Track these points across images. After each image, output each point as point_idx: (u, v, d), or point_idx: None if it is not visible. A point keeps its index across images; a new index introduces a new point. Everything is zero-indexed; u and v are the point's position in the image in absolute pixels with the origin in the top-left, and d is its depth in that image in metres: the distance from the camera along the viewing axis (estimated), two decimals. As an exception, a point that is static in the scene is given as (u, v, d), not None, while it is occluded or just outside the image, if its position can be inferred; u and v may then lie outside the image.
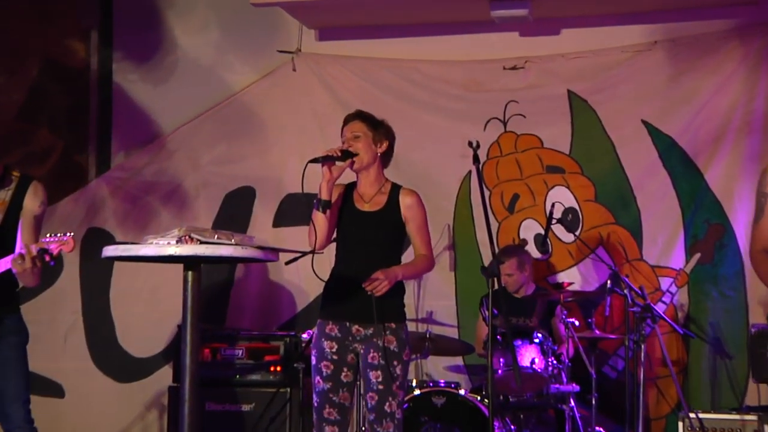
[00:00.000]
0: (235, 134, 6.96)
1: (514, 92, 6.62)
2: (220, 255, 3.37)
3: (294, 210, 6.65)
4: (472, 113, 6.66)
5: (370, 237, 4.22)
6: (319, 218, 4.15)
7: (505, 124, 6.64)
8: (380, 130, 4.28)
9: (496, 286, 4.00)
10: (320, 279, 4.18)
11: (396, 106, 6.58)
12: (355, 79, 6.84)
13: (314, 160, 4.07)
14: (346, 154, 4.16)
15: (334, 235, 4.29)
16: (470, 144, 4.27)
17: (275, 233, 6.75)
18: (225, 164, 6.94)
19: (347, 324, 4.17)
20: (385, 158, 4.33)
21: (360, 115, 4.30)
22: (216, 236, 3.38)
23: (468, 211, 6.58)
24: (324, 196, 4.14)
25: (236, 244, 3.37)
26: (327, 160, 4.10)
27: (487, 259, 6.22)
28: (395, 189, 4.29)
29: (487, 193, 6.50)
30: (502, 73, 6.65)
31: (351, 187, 4.33)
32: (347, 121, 4.31)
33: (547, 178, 6.57)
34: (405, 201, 4.24)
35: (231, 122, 6.97)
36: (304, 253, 3.94)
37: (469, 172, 6.53)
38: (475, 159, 4.27)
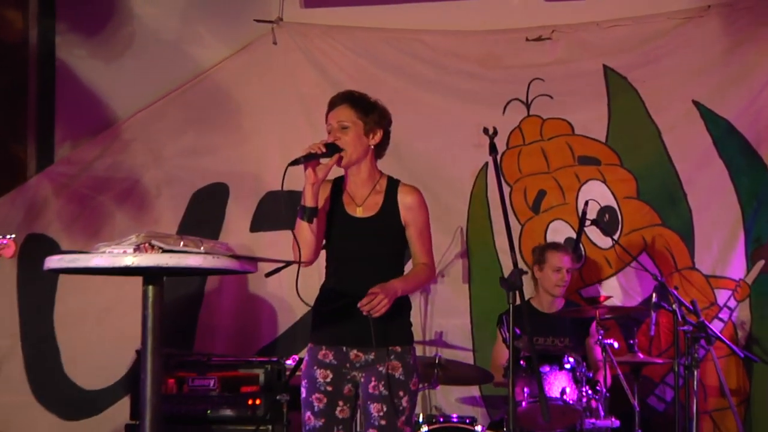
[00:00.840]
0: (205, 121, 6.97)
1: (539, 68, 6.63)
2: (187, 266, 3.37)
3: (275, 211, 6.65)
4: (488, 94, 6.67)
5: (366, 249, 4.20)
6: (304, 229, 4.12)
7: (528, 106, 6.65)
8: (372, 116, 4.23)
9: (519, 301, 3.99)
10: (305, 303, 4.15)
11: (397, 86, 6.59)
12: (348, 54, 6.85)
13: (295, 162, 4.01)
14: (332, 148, 4.11)
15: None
16: (486, 131, 4.27)
17: (254, 239, 6.76)
18: (192, 156, 6.95)
19: (344, 349, 4.16)
20: (380, 149, 4.30)
21: (347, 99, 4.24)
22: (182, 243, 3.39)
23: (484, 211, 6.59)
24: (309, 203, 4.10)
25: (206, 253, 3.37)
26: (310, 159, 4.05)
27: (507, 268, 6.21)
28: (392, 186, 4.27)
29: (507, 190, 6.51)
30: (525, 46, 6.66)
31: (340, 185, 4.30)
32: (332, 105, 4.25)
33: (580, 171, 6.57)
34: (405, 201, 4.22)
35: (199, 106, 6.97)
36: (288, 263, 3.93)
37: (486, 164, 6.54)
38: (492, 149, 4.27)
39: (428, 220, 4.28)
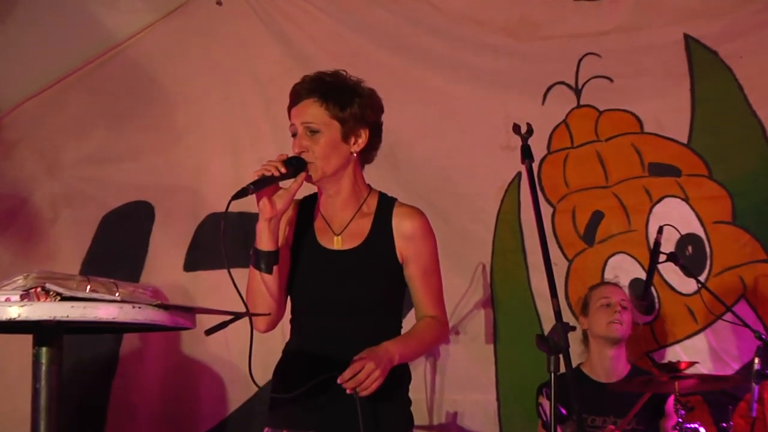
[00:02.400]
0: (120, 114, 7.01)
1: (593, 39, 6.70)
2: (97, 319, 3.39)
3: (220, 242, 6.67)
4: (521, 76, 6.74)
5: (347, 294, 4.19)
6: (258, 284, 4.12)
7: (578, 93, 6.70)
8: (352, 109, 4.16)
9: (564, 368, 4.02)
10: (256, 385, 4.13)
11: (393, 65, 6.65)
12: (324, 20, 6.92)
13: (241, 193, 3.90)
14: (296, 165, 4.07)
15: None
16: (518, 128, 4.30)
17: (190, 280, 6.81)
18: (103, 165, 6.99)
19: (315, 437, 4.20)
20: (367, 153, 4.28)
21: (316, 90, 4.16)
22: (88, 287, 3.42)
23: (516, 241, 6.62)
24: (265, 246, 4.08)
25: (123, 301, 3.40)
26: (263, 186, 3.99)
27: (548, 322, 6.26)
28: (385, 206, 4.28)
29: (548, 211, 6.55)
30: (574, 8, 6.74)
31: (310, 207, 4.31)
32: (295, 98, 4.21)
33: (651, 184, 6.62)
34: (402, 227, 4.22)
35: (112, 93, 7.01)
36: (238, 316, 3.96)
37: (518, 175, 6.59)
38: (527, 153, 4.29)
39: (436, 254, 4.30)
